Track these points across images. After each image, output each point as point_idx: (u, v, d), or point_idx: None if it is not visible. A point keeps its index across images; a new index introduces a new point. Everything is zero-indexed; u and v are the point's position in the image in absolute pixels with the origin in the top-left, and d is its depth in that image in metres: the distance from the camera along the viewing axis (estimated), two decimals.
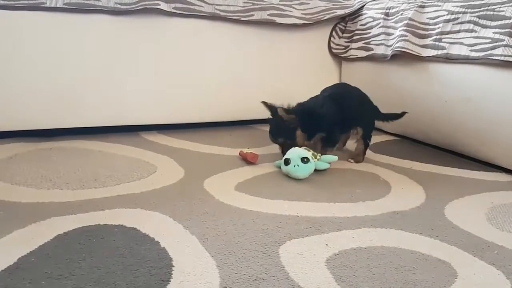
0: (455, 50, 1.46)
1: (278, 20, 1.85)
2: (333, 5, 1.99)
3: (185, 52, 1.74)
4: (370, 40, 1.87)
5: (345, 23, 2.04)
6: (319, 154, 1.35)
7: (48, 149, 1.47)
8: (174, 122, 1.80)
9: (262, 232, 0.92)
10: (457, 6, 1.49)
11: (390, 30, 1.76)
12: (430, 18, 1.59)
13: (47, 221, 0.93)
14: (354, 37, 1.98)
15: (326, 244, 0.88)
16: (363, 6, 1.98)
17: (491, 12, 1.37)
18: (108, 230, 0.90)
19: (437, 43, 1.53)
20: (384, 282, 0.76)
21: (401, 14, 1.71)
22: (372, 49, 1.85)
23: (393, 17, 1.77)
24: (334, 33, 2.03)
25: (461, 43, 1.44)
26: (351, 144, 1.55)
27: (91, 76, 1.61)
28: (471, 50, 1.41)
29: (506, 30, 1.31)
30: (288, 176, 1.29)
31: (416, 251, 0.87)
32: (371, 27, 1.88)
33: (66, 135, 1.62)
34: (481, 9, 1.41)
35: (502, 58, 1.30)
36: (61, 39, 1.54)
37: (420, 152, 1.62)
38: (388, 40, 1.76)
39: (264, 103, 1.43)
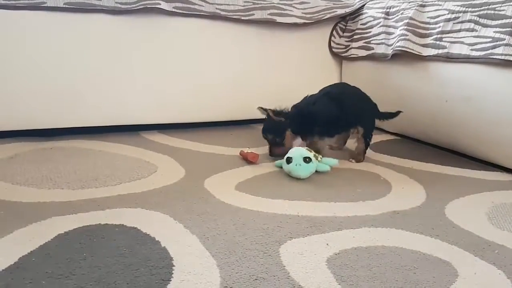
0: (456, 49, 1.46)
1: (279, 19, 1.85)
2: (334, 4, 1.99)
3: (185, 52, 1.74)
4: (371, 39, 1.87)
5: (345, 22, 2.04)
6: (320, 156, 1.35)
7: (49, 148, 1.47)
8: (175, 121, 1.80)
9: (263, 232, 0.92)
10: (458, 5, 1.48)
11: (391, 30, 1.76)
12: (431, 17, 1.59)
13: (48, 221, 0.93)
14: (355, 37, 1.98)
15: (327, 244, 0.88)
16: (363, 5, 1.98)
17: (492, 11, 1.37)
18: (108, 230, 0.90)
19: (437, 42, 1.53)
20: (384, 281, 0.76)
21: (402, 13, 1.71)
22: (373, 49, 1.85)
23: (393, 16, 1.77)
24: (334, 32, 2.03)
25: (462, 42, 1.44)
26: (352, 144, 1.55)
27: (91, 75, 1.61)
28: (471, 49, 1.40)
29: (507, 29, 1.31)
30: (288, 176, 1.29)
31: (417, 250, 0.87)
32: (371, 27, 1.88)
33: (66, 135, 1.62)
34: (482, 8, 1.40)
35: (502, 57, 1.30)
36: (61, 38, 1.54)
37: (421, 152, 1.62)
38: (389, 39, 1.76)
39: (260, 108, 1.47)
